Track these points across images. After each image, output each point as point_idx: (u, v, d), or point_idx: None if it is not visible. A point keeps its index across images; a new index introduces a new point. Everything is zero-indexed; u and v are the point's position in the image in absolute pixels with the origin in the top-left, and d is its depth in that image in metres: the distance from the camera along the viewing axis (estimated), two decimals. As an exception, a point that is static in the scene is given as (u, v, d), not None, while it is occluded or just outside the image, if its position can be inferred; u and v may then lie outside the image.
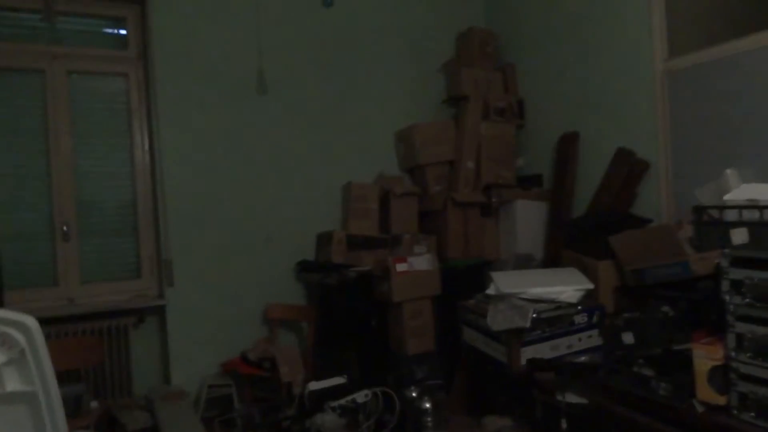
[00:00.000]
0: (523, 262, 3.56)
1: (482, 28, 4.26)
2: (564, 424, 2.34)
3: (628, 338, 2.21)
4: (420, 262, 3.53)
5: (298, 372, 3.33)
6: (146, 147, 3.57)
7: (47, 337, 3.20)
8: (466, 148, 3.96)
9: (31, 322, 1.34)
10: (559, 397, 2.38)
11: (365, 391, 2.90)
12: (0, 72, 3.27)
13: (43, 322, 3.29)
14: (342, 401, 2.81)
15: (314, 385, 3.08)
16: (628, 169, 3.25)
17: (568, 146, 3.71)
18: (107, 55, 3.52)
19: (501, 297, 2.80)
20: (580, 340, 2.80)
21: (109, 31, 3.55)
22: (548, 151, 3.90)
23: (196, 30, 3.59)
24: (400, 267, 3.46)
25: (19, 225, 3.31)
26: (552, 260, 3.56)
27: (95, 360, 3.18)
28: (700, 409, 1.99)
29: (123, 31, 3.54)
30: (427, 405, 3.08)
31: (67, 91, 3.38)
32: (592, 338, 2.81)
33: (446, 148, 4.02)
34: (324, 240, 3.84)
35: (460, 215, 3.90)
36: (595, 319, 2.81)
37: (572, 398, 2.38)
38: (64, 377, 3.02)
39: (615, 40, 3.37)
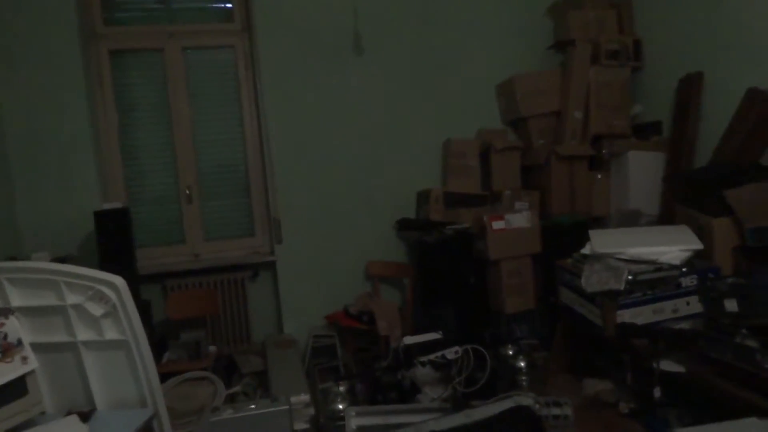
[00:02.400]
0: (630, 219, 3.29)
1: (592, -38, 3.87)
2: (657, 393, 2.20)
3: (731, 305, 1.99)
4: (518, 219, 3.42)
5: (395, 326, 3.45)
6: (254, 113, 3.80)
7: (176, 288, 3.64)
8: (573, 96, 3.70)
9: (119, 281, 1.54)
10: (654, 365, 2.22)
11: (455, 348, 2.92)
12: (125, 54, 3.65)
13: (173, 275, 3.71)
14: (430, 356, 2.86)
15: (409, 340, 3.17)
16: (758, 111, 2.83)
17: (690, 88, 3.30)
18: (216, 29, 3.75)
19: (596, 257, 2.64)
20: (688, 304, 2.56)
21: (216, 5, 3.78)
22: (669, 95, 3.51)
23: (293, -4, 3.71)
24: (497, 225, 3.39)
25: (151, 191, 3.75)
26: (667, 217, 3.25)
27: (215, 309, 3.53)
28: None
29: (229, 5, 3.75)
30: (522, 364, 3.04)
31: (182, 66, 3.69)
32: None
33: (550, 98, 3.79)
34: (423, 198, 3.86)
35: (565, 169, 3.69)
36: (708, 282, 2.55)
37: (668, 366, 2.22)
38: (189, 324, 3.43)
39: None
